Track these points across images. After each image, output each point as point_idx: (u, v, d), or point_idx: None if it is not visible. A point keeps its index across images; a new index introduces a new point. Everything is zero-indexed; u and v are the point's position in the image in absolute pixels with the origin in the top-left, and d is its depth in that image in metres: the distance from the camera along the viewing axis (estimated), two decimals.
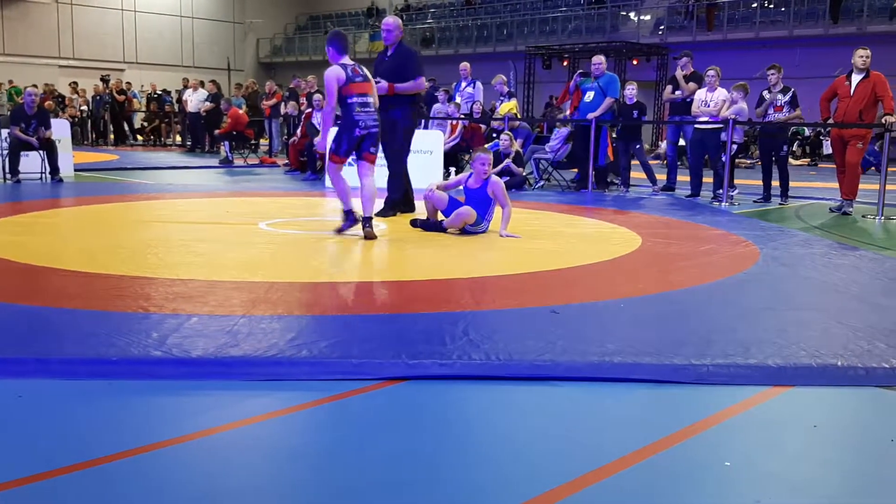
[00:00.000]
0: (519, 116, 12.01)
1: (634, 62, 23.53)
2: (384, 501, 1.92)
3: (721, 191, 9.05)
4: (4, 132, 9.85)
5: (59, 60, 28.77)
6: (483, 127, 11.66)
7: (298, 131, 12.41)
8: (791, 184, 9.40)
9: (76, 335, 3.10)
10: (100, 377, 2.70)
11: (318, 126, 11.59)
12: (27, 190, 8.83)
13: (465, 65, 12.11)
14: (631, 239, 5.91)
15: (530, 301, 3.83)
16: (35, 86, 14.38)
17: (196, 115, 17.17)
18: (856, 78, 7.94)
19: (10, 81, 20.83)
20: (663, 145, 15.47)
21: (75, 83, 21.42)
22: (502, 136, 10.08)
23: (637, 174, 10.56)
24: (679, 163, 11.17)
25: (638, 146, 10.18)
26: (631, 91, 10.13)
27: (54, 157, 9.82)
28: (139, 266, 4.45)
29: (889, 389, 2.80)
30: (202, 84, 18.09)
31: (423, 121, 11.08)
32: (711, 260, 5.12)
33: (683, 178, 10.35)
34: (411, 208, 7.13)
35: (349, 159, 5.93)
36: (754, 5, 22.43)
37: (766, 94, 8.97)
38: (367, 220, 5.64)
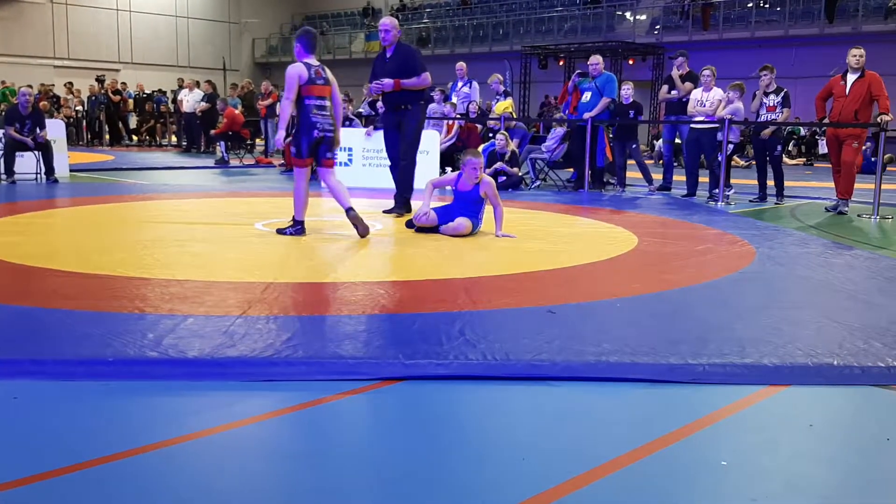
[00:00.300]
0: (515, 116, 12.02)
1: (630, 62, 23.57)
2: (382, 501, 1.92)
3: (717, 190, 9.07)
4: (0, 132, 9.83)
5: (55, 61, 28.69)
6: (479, 127, 11.65)
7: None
8: (787, 183, 9.41)
9: (72, 336, 3.09)
10: (95, 378, 2.70)
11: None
12: (22, 190, 8.81)
13: (461, 64, 12.11)
14: (627, 238, 5.92)
15: (527, 301, 3.83)
16: (30, 86, 14.34)
17: (192, 116, 17.14)
18: (851, 77, 7.95)
19: (3, 82, 20.77)
20: (658, 143, 15.49)
21: (70, 83, 21.37)
22: (498, 136, 10.08)
23: (633, 174, 10.57)
24: (675, 162, 11.18)
25: (634, 146, 10.20)
26: (627, 91, 10.14)
27: (49, 157, 9.80)
28: (135, 266, 4.44)
29: (885, 388, 2.81)
30: (198, 84, 18.07)
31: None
32: (707, 259, 5.12)
33: (679, 177, 10.36)
34: (409, 208, 7.13)
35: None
36: (750, 5, 22.47)
37: (757, 93, 9.00)
38: (349, 210, 5.73)
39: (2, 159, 9.58)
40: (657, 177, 10.39)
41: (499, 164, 9.88)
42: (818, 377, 2.86)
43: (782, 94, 8.80)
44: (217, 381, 2.72)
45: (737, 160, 13.91)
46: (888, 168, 12.15)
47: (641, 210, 8.00)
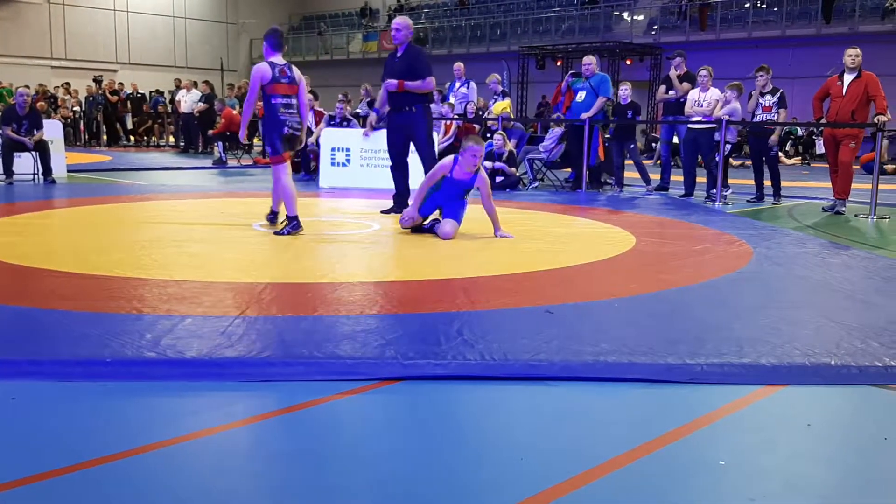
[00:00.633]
0: (513, 116, 12.02)
1: (628, 62, 23.57)
2: (380, 502, 1.92)
3: (714, 190, 9.08)
4: None
5: (52, 61, 28.66)
6: (477, 127, 11.66)
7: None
8: (784, 183, 9.42)
9: (69, 336, 3.09)
10: (93, 378, 2.69)
11: (311, 126, 11.59)
12: (20, 191, 8.80)
13: (458, 65, 12.11)
14: (625, 239, 5.92)
15: (525, 301, 3.84)
16: (27, 86, 14.32)
17: (189, 116, 17.12)
18: (848, 78, 7.96)
19: None
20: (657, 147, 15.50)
21: (68, 84, 21.34)
22: (496, 136, 10.08)
23: (631, 174, 10.58)
24: (672, 162, 11.19)
25: (632, 146, 10.20)
26: (625, 91, 10.15)
27: (47, 157, 9.79)
28: (133, 267, 4.44)
29: (882, 388, 2.81)
30: (195, 85, 18.05)
31: None
32: (705, 259, 5.13)
33: (677, 177, 10.36)
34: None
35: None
36: (747, 5, 22.49)
37: (753, 93, 9.01)
38: (273, 214, 6.01)
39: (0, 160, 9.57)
40: (655, 177, 10.40)
41: (496, 163, 9.88)
42: (816, 377, 2.86)
43: (778, 94, 8.81)
44: (215, 381, 2.71)
45: (732, 161, 13.91)
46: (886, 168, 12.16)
47: (639, 210, 8.00)
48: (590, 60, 9.86)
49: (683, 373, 2.84)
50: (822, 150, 13.12)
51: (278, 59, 5.83)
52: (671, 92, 10.01)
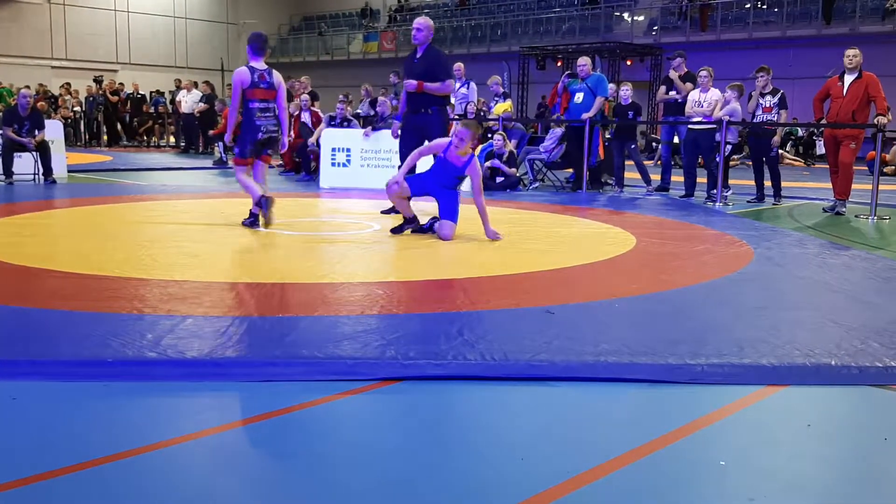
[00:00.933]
0: (514, 117, 12.02)
1: (628, 63, 23.57)
2: (381, 502, 1.93)
3: (715, 191, 9.08)
4: None
5: (52, 61, 28.68)
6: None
7: (291, 132, 12.41)
8: (784, 184, 9.42)
9: (71, 337, 3.09)
10: (95, 379, 2.70)
11: (310, 126, 11.60)
12: (20, 191, 8.80)
13: (458, 65, 12.10)
14: (625, 239, 5.92)
15: (525, 301, 3.84)
16: (28, 87, 14.34)
17: (190, 116, 17.13)
18: (848, 78, 7.96)
19: None
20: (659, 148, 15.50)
21: (68, 84, 21.34)
22: (496, 137, 10.09)
23: (631, 174, 10.58)
24: (672, 162, 11.18)
25: (633, 146, 10.20)
26: (626, 92, 10.15)
27: (47, 158, 9.79)
28: (134, 267, 4.44)
29: (882, 388, 2.81)
30: (196, 85, 18.06)
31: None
32: (705, 260, 5.13)
33: (678, 178, 10.37)
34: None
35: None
36: (748, 6, 22.49)
37: (753, 93, 9.01)
38: (262, 198, 5.97)
39: (0, 160, 9.56)
40: (655, 177, 10.40)
41: (494, 161, 9.90)
42: (816, 377, 2.86)
43: (779, 95, 8.81)
44: (216, 381, 2.72)
45: (735, 159, 13.91)
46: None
47: (640, 211, 8.01)
48: (585, 61, 9.87)
49: (684, 373, 2.84)
50: (823, 151, 13.12)
51: (259, 64, 6.10)
52: (672, 92, 10.01)
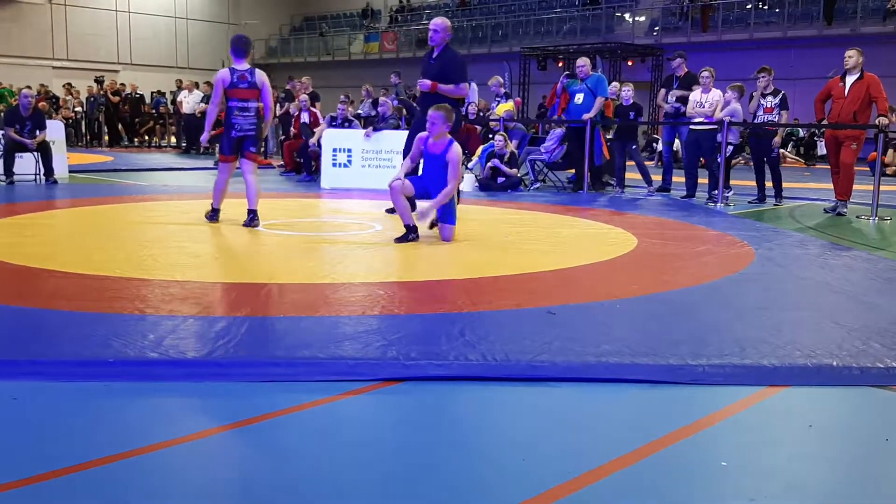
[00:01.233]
0: (515, 117, 12.02)
1: (629, 63, 23.57)
2: (382, 502, 1.93)
3: (716, 192, 9.07)
4: None
5: (53, 62, 28.69)
6: (478, 128, 11.66)
7: (291, 130, 12.43)
8: (785, 184, 9.42)
9: (72, 337, 3.09)
10: (96, 379, 2.70)
11: (310, 127, 11.61)
12: (22, 191, 8.81)
13: None
14: (627, 240, 5.92)
15: (527, 302, 3.84)
16: (29, 87, 14.34)
17: (191, 117, 17.14)
18: (850, 79, 7.95)
19: None
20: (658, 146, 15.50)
21: (69, 84, 21.34)
22: (497, 137, 10.09)
23: (632, 175, 10.58)
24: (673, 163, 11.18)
25: (634, 147, 10.20)
26: (627, 92, 10.14)
27: (49, 158, 9.80)
28: (135, 267, 4.45)
29: (883, 389, 2.81)
30: (197, 85, 18.07)
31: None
32: (707, 260, 5.13)
33: (679, 178, 10.36)
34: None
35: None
36: (749, 6, 22.48)
37: (754, 94, 9.00)
38: (252, 213, 6.25)
39: (1, 160, 9.57)
40: (656, 178, 10.40)
41: (496, 161, 9.91)
42: (817, 378, 2.86)
43: (780, 95, 8.80)
44: (217, 381, 2.72)
45: (742, 160, 13.91)
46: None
47: (641, 211, 8.00)
48: (584, 62, 9.87)
49: (685, 374, 2.84)
50: (824, 152, 13.13)
51: (241, 65, 6.28)
52: (671, 97, 9.97)
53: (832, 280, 4.53)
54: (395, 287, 4.24)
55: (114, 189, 9.63)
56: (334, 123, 11.23)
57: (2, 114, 12.02)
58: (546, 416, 2.51)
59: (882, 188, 8.05)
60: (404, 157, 7.15)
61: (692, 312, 3.73)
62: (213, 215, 6.44)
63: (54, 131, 10.64)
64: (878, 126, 7.78)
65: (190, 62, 32.39)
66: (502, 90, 11.59)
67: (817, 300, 4.08)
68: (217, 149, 14.31)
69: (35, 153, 9.73)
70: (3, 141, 9.65)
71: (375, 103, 12.03)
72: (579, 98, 9.84)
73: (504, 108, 11.27)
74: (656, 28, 24.24)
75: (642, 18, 24.89)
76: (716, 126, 9.03)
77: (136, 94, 21.17)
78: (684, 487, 2.05)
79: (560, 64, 24.23)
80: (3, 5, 27.61)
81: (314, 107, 12.08)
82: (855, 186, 8.27)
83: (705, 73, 9.25)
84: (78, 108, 20.09)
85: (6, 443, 2.22)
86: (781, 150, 9.37)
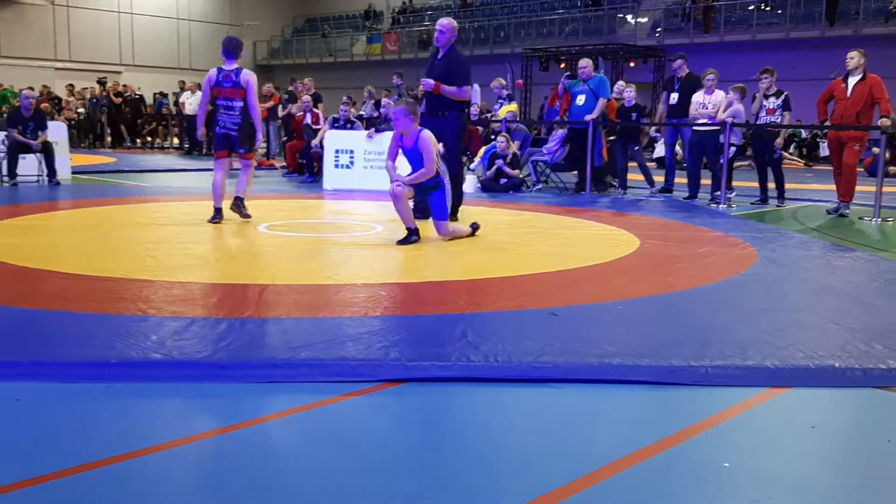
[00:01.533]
0: (517, 118, 12.02)
1: (631, 64, 23.55)
2: (384, 503, 1.93)
3: (718, 193, 9.07)
4: (1, 135, 9.83)
5: (56, 63, 28.71)
6: (481, 129, 11.66)
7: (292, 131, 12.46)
8: (788, 186, 9.41)
9: (74, 338, 3.10)
10: (99, 380, 2.70)
11: (312, 127, 11.61)
12: (24, 193, 8.82)
13: None
14: (629, 241, 5.92)
15: (529, 303, 3.84)
16: (31, 88, 14.36)
17: (194, 118, 17.12)
18: (852, 80, 7.94)
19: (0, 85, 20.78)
20: (659, 146, 15.48)
21: (72, 85, 21.37)
22: (499, 138, 10.09)
23: (635, 175, 10.58)
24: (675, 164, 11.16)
25: (636, 148, 10.20)
26: (630, 94, 10.14)
27: (51, 159, 9.81)
28: (137, 268, 4.45)
29: (886, 390, 2.81)
30: (199, 86, 18.08)
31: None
32: (709, 262, 5.13)
33: (681, 180, 10.36)
34: (455, 218, 6.70)
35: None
36: (751, 7, 22.48)
37: (756, 95, 9.00)
38: (237, 199, 6.50)
39: (4, 161, 9.59)
40: (659, 179, 10.39)
41: (498, 162, 9.91)
42: (820, 379, 2.86)
43: (782, 97, 8.79)
44: (220, 382, 2.72)
45: (746, 162, 13.89)
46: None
47: (643, 212, 8.00)
48: (586, 63, 9.86)
49: (688, 375, 2.84)
50: (827, 153, 13.10)
51: (230, 65, 6.45)
52: (672, 98, 9.96)
53: (835, 281, 4.53)
54: (397, 288, 4.24)
55: (117, 190, 9.64)
56: (336, 125, 11.24)
57: (4, 115, 12.02)
58: (548, 418, 2.51)
59: (884, 189, 8.04)
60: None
61: (694, 314, 3.73)
62: (216, 216, 6.46)
63: (57, 132, 10.66)
64: (881, 127, 7.77)
65: (192, 63, 32.41)
66: (504, 92, 11.59)
67: (820, 301, 4.07)
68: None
69: (38, 154, 9.75)
70: (6, 142, 9.66)
71: (378, 104, 12.04)
72: (581, 99, 9.84)
73: (507, 109, 11.27)
74: (658, 29, 24.23)
75: (644, 19, 24.89)
76: (719, 127, 9.03)
77: (136, 94, 21.19)
78: (687, 489, 2.05)
79: (562, 65, 24.22)
80: (6, 6, 27.65)
81: (317, 108, 12.09)
82: (857, 188, 8.26)
83: (710, 76, 9.24)
84: (80, 110, 20.11)
85: (9, 444, 2.22)
86: (782, 152, 9.34)
